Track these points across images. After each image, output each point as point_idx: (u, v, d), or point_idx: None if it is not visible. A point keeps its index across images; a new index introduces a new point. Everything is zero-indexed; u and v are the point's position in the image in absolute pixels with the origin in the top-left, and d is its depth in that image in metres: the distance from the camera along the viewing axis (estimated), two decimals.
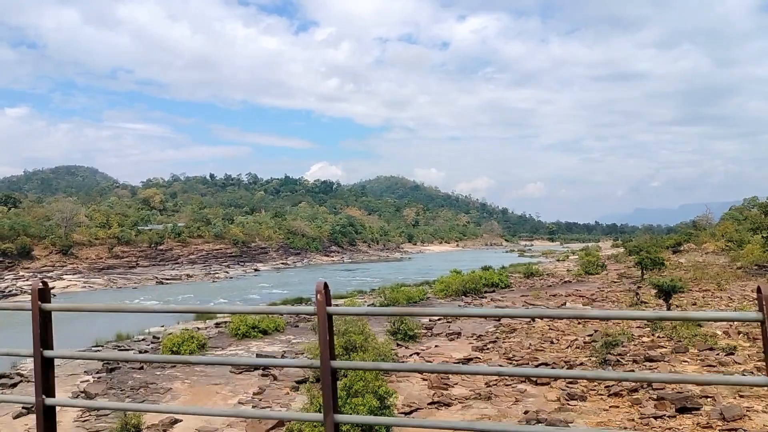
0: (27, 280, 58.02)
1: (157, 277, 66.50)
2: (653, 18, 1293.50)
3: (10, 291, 51.27)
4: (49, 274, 62.21)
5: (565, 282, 41.06)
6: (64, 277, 61.95)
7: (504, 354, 20.85)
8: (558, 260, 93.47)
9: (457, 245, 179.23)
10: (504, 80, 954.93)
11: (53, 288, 55.29)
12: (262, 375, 19.14)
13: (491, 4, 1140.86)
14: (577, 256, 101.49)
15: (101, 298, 51.14)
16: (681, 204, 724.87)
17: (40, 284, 3.35)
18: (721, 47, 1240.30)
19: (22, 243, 64.37)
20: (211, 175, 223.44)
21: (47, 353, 3.45)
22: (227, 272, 76.43)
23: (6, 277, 57.87)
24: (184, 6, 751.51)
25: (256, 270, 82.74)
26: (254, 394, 17.55)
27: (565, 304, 28.26)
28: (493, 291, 38.39)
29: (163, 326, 34.28)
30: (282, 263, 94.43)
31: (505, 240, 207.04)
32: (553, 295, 32.66)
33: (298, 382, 17.73)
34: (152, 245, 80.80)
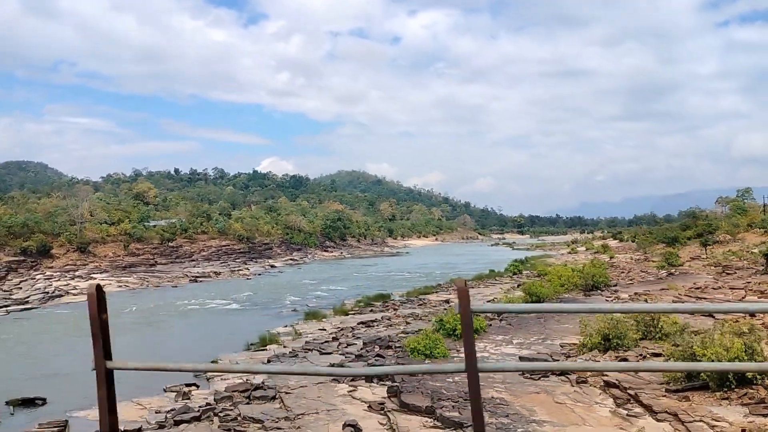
0: (59, 279, 53.78)
1: (187, 275, 63.02)
2: (600, 16, 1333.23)
3: (53, 293, 47.23)
4: (76, 273, 58.00)
5: (660, 278, 40.09)
6: (94, 276, 57.79)
7: None
8: (570, 252, 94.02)
9: (436, 239, 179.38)
10: (455, 76, 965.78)
11: (84, 289, 51.41)
12: None
13: (442, 0, 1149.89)
14: (584, 248, 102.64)
15: (151, 298, 47.77)
16: (624, 197, 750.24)
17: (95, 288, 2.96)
18: (664, 45, 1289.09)
19: (41, 241, 59.68)
20: (176, 170, 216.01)
21: (110, 364, 3.12)
22: (248, 269, 73.41)
23: (36, 277, 53.42)
24: None
25: (272, 266, 79.94)
26: None
27: (744, 297, 27.36)
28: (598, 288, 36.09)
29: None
30: (291, 259, 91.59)
31: (479, 233, 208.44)
32: (697, 289, 31.78)
33: None
34: (163, 242, 76.76)
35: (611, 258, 69.56)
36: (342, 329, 28.58)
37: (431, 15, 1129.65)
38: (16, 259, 55.92)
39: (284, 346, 25.56)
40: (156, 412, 17.02)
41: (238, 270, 70.66)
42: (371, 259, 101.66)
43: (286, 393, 16.89)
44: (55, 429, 16.14)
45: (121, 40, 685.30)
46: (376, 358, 19.36)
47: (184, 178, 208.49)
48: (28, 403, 18.89)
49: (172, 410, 16.99)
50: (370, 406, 15.25)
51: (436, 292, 43.28)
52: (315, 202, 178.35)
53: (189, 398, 18.59)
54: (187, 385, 20.29)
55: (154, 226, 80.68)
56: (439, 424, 13.17)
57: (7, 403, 18.84)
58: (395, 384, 15.87)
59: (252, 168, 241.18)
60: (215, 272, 66.51)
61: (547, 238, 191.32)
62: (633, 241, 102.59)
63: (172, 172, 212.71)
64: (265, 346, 26.33)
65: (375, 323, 28.97)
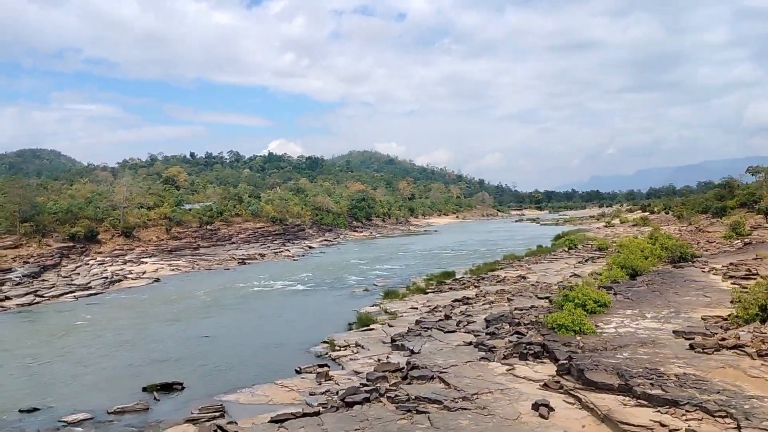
0: (111, 264, 53.63)
1: (234, 258, 62.78)
2: None
3: (112, 278, 47.06)
4: (126, 258, 57.82)
5: (739, 248, 39.19)
6: (144, 260, 57.63)
7: None
8: (606, 226, 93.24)
9: (457, 217, 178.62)
10: (461, 51, 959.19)
11: (142, 273, 51.39)
12: None
13: None
14: (617, 221, 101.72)
15: (211, 281, 47.54)
16: (636, 170, 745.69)
17: None
18: (672, 15, 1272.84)
19: (88, 227, 59.44)
20: (192, 154, 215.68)
21: None
22: (288, 250, 73.14)
23: (90, 262, 53.25)
24: None
25: (310, 247, 79.60)
26: None
27: None
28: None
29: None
30: (325, 240, 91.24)
31: (498, 210, 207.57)
32: None
33: None
34: (202, 225, 76.48)
35: (657, 230, 68.81)
36: (434, 307, 28.16)
37: None
38: (66, 245, 55.70)
39: (389, 325, 25.19)
40: (310, 394, 16.69)
41: (279, 252, 70.36)
42: (402, 238, 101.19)
43: (441, 372, 16.51)
44: (215, 414, 15.86)
45: (124, 26, 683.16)
46: (516, 335, 18.91)
47: (200, 161, 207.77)
48: (167, 388, 18.58)
49: (326, 391, 16.67)
50: (545, 384, 14.82)
51: (502, 268, 42.76)
52: (334, 183, 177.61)
53: (331, 379, 18.26)
54: (319, 366, 19.99)
55: (190, 210, 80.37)
56: (644, 402, 12.71)
57: (145, 389, 18.57)
58: (564, 362, 15.43)
59: (260, 151, 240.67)
60: (260, 254, 66.23)
61: (568, 212, 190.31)
62: (666, 213, 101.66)
63: (188, 156, 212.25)
64: (367, 325, 25.98)
65: (471, 300, 28.51)
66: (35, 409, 17.18)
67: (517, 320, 21.15)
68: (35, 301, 38.29)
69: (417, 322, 23.70)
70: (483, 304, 26.95)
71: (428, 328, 22.21)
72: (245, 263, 60.14)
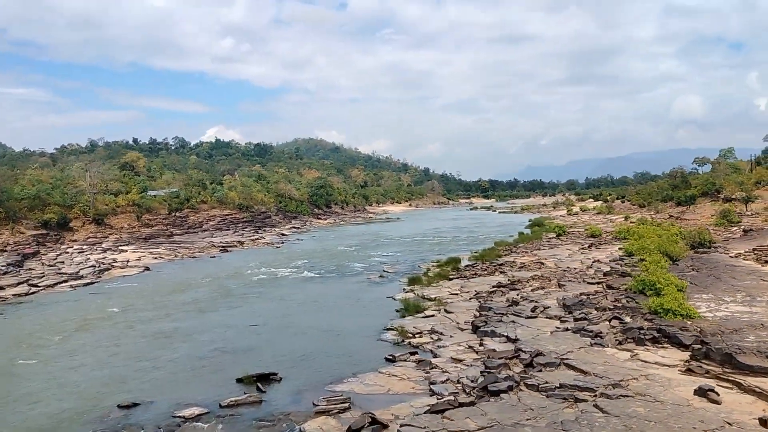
0: (90, 252, 50.94)
1: (213, 245, 60.87)
2: None
3: (100, 267, 44.71)
4: (102, 245, 55.06)
5: (744, 234, 40.83)
6: (122, 248, 55.02)
7: None
8: (569, 214, 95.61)
9: (410, 205, 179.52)
10: (403, 42, 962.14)
11: (128, 261, 49.21)
12: None
13: None
14: (577, 209, 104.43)
15: (205, 268, 45.93)
16: (568, 160, 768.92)
17: None
18: (605, 10, 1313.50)
19: (60, 213, 56.22)
20: (135, 140, 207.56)
21: None
22: (263, 237, 71.65)
23: (68, 251, 50.38)
24: None
25: (282, 234, 78.32)
26: None
27: None
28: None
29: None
30: (293, 227, 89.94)
31: (449, 199, 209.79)
32: None
33: None
34: (171, 212, 73.82)
35: (627, 219, 71.16)
36: (477, 293, 28.06)
37: None
38: (39, 233, 52.50)
39: (447, 311, 24.89)
40: (431, 383, 16.24)
41: (256, 239, 68.74)
42: (368, 225, 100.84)
43: (563, 359, 16.41)
44: (343, 405, 15.28)
45: (56, 6, 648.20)
46: (615, 320, 19.00)
47: (144, 147, 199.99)
48: (263, 379, 17.70)
49: (446, 380, 16.28)
50: (689, 369, 14.91)
51: (507, 255, 43.14)
52: (287, 170, 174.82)
53: (435, 367, 17.85)
54: (410, 353, 19.57)
55: (155, 197, 77.44)
56: None
57: (240, 380, 17.68)
58: (698, 346, 15.58)
59: (198, 137, 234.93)
60: (238, 241, 64.49)
61: (516, 201, 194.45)
62: (622, 202, 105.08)
63: (131, 142, 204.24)
64: (419, 312, 25.56)
65: (515, 286, 28.52)
66: (135, 405, 16.04)
67: (596, 305, 21.25)
68: (30, 291, 35.93)
69: (484, 308, 23.48)
70: (533, 290, 27.00)
71: (501, 314, 22.07)
72: (227, 251, 58.40)
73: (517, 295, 26.19)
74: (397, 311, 26.64)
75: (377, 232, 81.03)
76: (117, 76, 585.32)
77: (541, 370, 15.67)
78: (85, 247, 53.27)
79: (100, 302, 32.57)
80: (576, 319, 20.10)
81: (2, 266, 40.89)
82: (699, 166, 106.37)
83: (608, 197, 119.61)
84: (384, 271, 40.91)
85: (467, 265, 39.39)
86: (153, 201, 73.80)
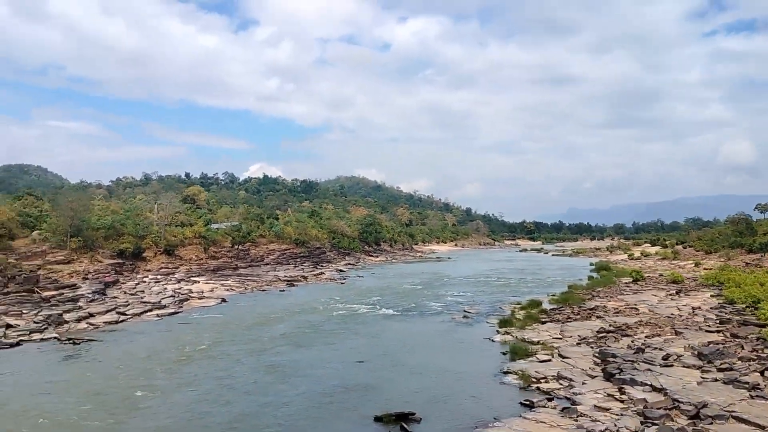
0: (167, 283, 51.53)
1: (279, 279, 61.06)
2: (586, 23, 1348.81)
3: (180, 297, 45.07)
4: (175, 276, 55.76)
5: None
6: (194, 279, 55.58)
7: None
8: (630, 258, 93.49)
9: (455, 245, 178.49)
10: (443, 82, 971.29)
11: (203, 292, 49.56)
12: None
13: (432, 7, 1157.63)
14: (638, 253, 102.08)
15: (275, 303, 45.91)
16: (611, 204, 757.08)
17: None
18: (650, 53, 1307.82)
19: (135, 244, 57.33)
20: (187, 174, 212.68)
21: None
22: (323, 273, 71.65)
23: (145, 280, 51.12)
24: (120, 0, 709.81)
25: (340, 270, 78.36)
26: None
27: None
28: None
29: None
30: (348, 264, 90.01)
31: (494, 240, 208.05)
32: None
33: None
34: (234, 245, 74.63)
35: (698, 265, 69.11)
36: (583, 338, 27.21)
37: (421, 22, 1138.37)
38: (116, 261, 53.52)
39: (561, 356, 24.08)
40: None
41: (317, 274, 68.76)
42: (421, 264, 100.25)
43: (731, 412, 15.54)
44: None
45: (109, 45, 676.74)
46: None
47: (196, 182, 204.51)
48: (402, 418, 17.23)
49: (605, 430, 15.51)
50: None
51: (589, 299, 42.04)
52: (336, 207, 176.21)
53: (581, 415, 17.09)
54: (548, 399, 18.86)
55: (218, 230, 78.51)
56: None
57: (378, 418, 17.24)
58: None
59: (241, 173, 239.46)
60: (302, 276, 64.60)
61: (564, 244, 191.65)
62: (685, 248, 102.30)
63: (183, 177, 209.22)
64: (529, 356, 24.83)
65: (627, 332, 27.58)
66: None
67: (736, 354, 20.28)
68: (120, 319, 36.30)
69: (606, 354, 22.63)
70: (647, 337, 26.04)
71: (631, 361, 21.21)
72: (293, 285, 58.49)
73: (632, 342, 25.24)
74: (504, 354, 25.96)
75: (435, 271, 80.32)
76: (165, 112, 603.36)
77: (711, 423, 14.87)
78: (159, 276, 54.06)
79: (191, 333, 32.67)
80: (719, 369, 19.17)
81: (89, 293, 41.52)
82: (762, 212, 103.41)
83: (667, 242, 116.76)
84: (465, 311, 40.21)
85: (552, 309, 38.50)
86: (216, 234, 74.79)
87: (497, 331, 31.86)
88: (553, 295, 44.83)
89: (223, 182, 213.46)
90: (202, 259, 65.49)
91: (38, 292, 38.84)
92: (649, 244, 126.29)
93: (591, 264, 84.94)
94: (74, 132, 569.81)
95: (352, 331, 33.13)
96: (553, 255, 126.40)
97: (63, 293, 40.31)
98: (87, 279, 46.33)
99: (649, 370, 20.11)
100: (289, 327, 34.44)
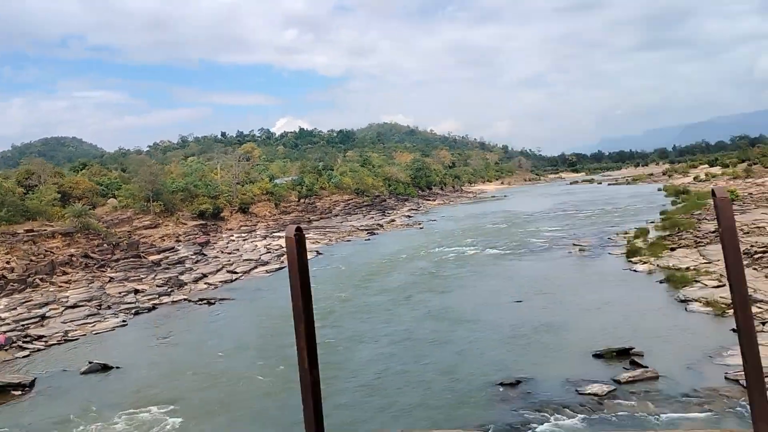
0: (253, 240, 51.36)
1: (358, 229, 60.53)
2: None
3: (274, 253, 44.77)
4: (257, 233, 55.60)
5: None
6: (276, 234, 55.32)
7: None
8: (696, 180, 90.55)
9: (501, 183, 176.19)
10: (466, 18, 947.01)
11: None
12: None
13: None
14: (702, 175, 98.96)
15: (371, 251, 45.33)
16: (645, 129, 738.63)
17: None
18: None
19: (214, 204, 57.16)
20: (223, 133, 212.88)
21: None
22: (393, 220, 70.94)
23: (233, 237, 51.11)
24: None
25: (408, 216, 77.54)
26: None
27: None
28: None
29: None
30: (412, 209, 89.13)
31: (538, 175, 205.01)
32: None
33: None
34: (300, 199, 74.19)
35: None
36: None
37: None
38: (198, 223, 53.46)
39: None
40: None
41: (388, 222, 68.09)
42: (480, 204, 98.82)
43: None
44: None
45: (126, 10, 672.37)
46: None
47: (233, 141, 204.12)
48: (622, 354, 16.34)
49: None
50: None
51: (696, 222, 40.37)
52: (366, 153, 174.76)
53: None
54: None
55: (281, 185, 78.03)
56: None
57: (598, 356, 16.43)
58: None
59: (268, 128, 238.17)
60: (378, 224, 64.06)
61: (612, 173, 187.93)
62: (749, 165, 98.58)
63: (219, 136, 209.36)
64: (688, 283, 23.68)
65: None
66: (517, 382, 14.99)
67: None
68: (233, 278, 36.15)
69: None
70: None
71: None
72: (374, 233, 57.89)
73: None
74: (660, 282, 24.89)
75: (503, 209, 78.90)
76: (186, 73, 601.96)
77: None
78: (244, 234, 53.88)
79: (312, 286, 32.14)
80: None
81: (191, 255, 41.44)
82: None
83: (728, 162, 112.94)
84: (578, 245, 38.93)
85: (666, 235, 37.05)
86: (281, 189, 74.32)
87: (630, 261, 30.71)
88: (654, 222, 43.27)
89: (259, 138, 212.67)
90: (275, 214, 65.23)
91: (145, 257, 38.82)
92: (706, 165, 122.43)
93: (659, 189, 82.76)
94: (101, 101, 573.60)
95: (477, 273, 32.34)
96: (609, 185, 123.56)
97: (167, 256, 40.28)
98: (179, 242, 46.28)
99: None
100: (409, 274, 33.78)
